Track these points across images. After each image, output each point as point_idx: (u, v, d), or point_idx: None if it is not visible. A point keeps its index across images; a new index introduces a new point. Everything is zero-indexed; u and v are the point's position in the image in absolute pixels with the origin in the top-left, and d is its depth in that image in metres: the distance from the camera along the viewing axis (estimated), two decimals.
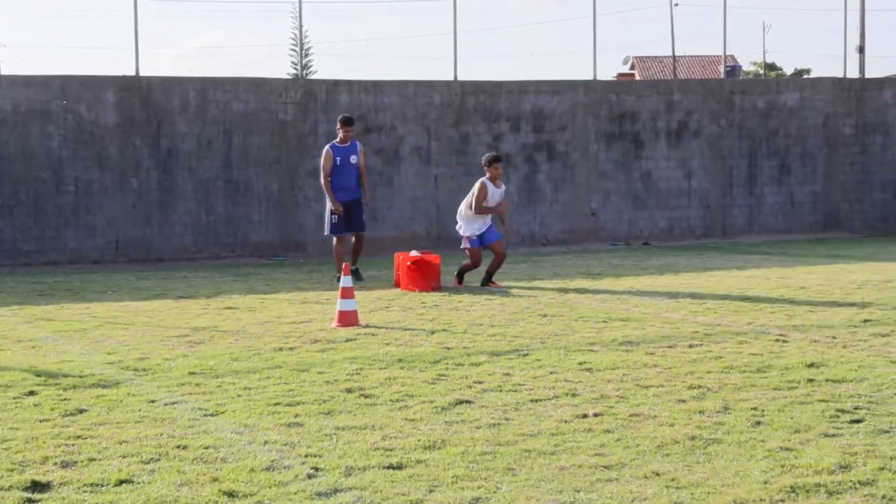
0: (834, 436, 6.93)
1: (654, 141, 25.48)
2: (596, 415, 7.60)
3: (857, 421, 7.31)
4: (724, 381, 8.70)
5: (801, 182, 26.55)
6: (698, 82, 27.32)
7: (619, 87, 26.94)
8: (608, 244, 24.60)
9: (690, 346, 10.40)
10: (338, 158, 16.79)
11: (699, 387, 8.51)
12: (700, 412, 7.64)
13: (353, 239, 17.06)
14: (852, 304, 13.24)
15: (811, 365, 9.32)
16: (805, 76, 65.43)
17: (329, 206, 16.87)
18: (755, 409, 7.71)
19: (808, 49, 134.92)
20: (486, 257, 16.59)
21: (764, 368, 9.23)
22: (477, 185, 16.24)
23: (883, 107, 27.08)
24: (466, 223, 16.28)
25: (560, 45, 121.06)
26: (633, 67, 72.37)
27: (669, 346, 10.43)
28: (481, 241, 16.25)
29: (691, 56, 69.95)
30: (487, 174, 16.17)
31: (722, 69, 33.83)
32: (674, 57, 41.67)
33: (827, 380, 8.70)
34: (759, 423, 7.31)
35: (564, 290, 15.32)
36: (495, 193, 16.21)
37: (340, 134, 16.93)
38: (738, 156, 26.04)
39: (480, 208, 16.09)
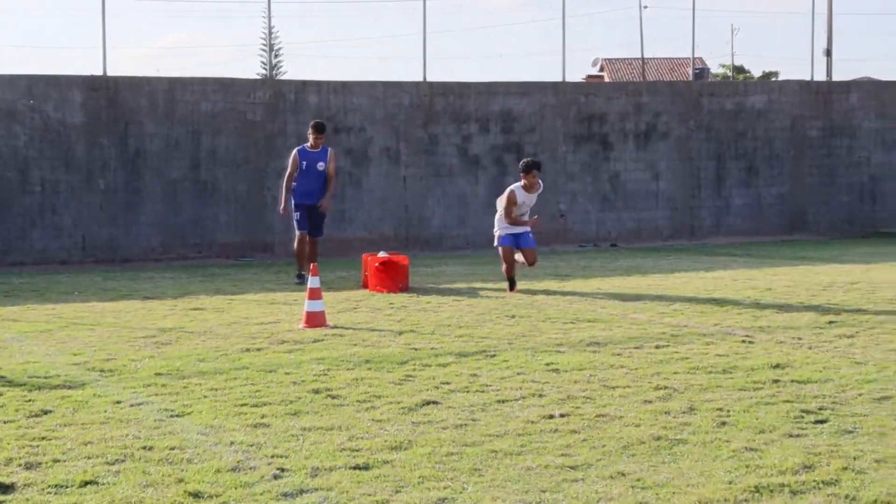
0: (798, 436, 6.98)
1: (623, 143, 25.56)
2: (562, 415, 7.62)
3: (822, 421, 7.36)
4: (689, 382, 8.74)
5: (769, 184, 26.68)
6: (667, 84, 27.45)
7: (588, 89, 27.00)
8: (576, 245, 24.65)
9: (657, 347, 10.44)
10: (304, 163, 16.66)
11: (665, 387, 8.54)
12: (666, 413, 7.67)
13: (308, 243, 16.89)
14: (818, 306, 13.32)
15: (776, 366, 9.38)
16: (773, 79, 65.74)
17: (281, 209, 17.00)
18: (720, 409, 7.75)
19: (776, 52, 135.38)
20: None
21: (730, 369, 9.27)
22: (507, 191, 15.90)
23: (849, 110, 27.25)
24: (500, 224, 15.94)
25: (529, 46, 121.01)
26: (602, 69, 72.52)
27: (636, 347, 10.46)
28: (514, 239, 15.79)
29: (660, 58, 70.15)
30: (522, 181, 15.72)
31: (690, 71, 33.98)
32: (642, 59, 41.77)
33: (792, 381, 8.75)
34: (724, 423, 7.35)
35: (532, 292, 15.34)
36: (526, 200, 15.76)
37: (311, 139, 16.82)
38: (706, 158, 26.15)
39: (511, 218, 15.69)
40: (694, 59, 31.02)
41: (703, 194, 26.11)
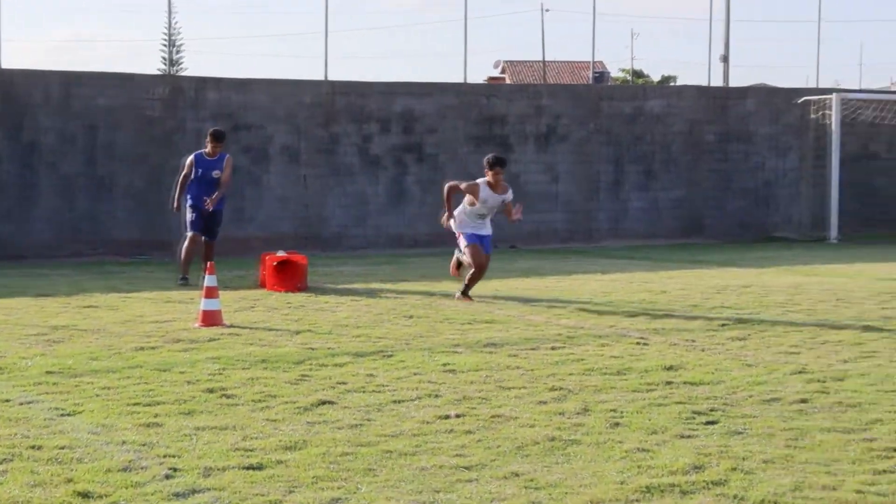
0: (689, 437, 7.07)
1: (523, 145, 25.69)
2: (458, 416, 7.64)
3: (712, 422, 7.47)
4: (584, 383, 8.81)
5: (666, 188, 27.00)
6: (567, 87, 27.71)
7: (489, 91, 27.13)
8: None
9: (553, 349, 10.52)
10: (199, 170, 16.21)
11: (560, 388, 8.61)
12: (560, 413, 7.73)
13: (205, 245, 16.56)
14: (711, 309, 13.51)
15: (669, 368, 9.49)
16: (671, 84, 66.58)
17: (173, 207, 16.52)
18: (614, 410, 7.83)
19: (674, 57, 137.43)
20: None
21: (624, 371, 9.37)
22: (472, 182, 14.43)
23: (745, 115, 27.68)
24: (459, 223, 14.48)
25: (431, 47, 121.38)
26: (503, 71, 72.86)
27: (532, 349, 10.53)
28: (478, 238, 14.40)
29: (561, 61, 70.73)
30: (487, 177, 14.26)
31: (590, 75, 34.29)
32: (544, 62, 42.13)
33: (684, 382, 8.87)
34: (617, 424, 7.42)
35: (430, 293, 15.36)
36: (489, 199, 14.22)
37: (209, 147, 16.36)
38: (605, 161, 26.37)
39: (467, 197, 14.20)
40: (594, 62, 31.32)
41: (601, 197, 26.34)
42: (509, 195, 14.33)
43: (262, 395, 8.33)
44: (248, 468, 6.32)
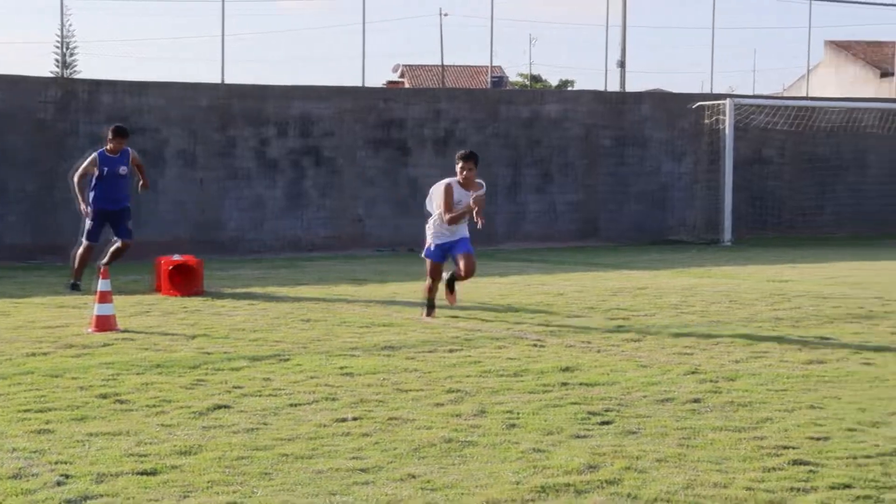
0: (584, 437, 7.14)
1: (421, 148, 25.72)
2: (354, 419, 7.64)
3: (607, 423, 7.55)
4: (481, 385, 8.85)
5: (563, 191, 27.20)
6: (465, 91, 27.78)
7: (387, 95, 27.14)
8: (374, 250, 24.70)
9: (450, 351, 10.55)
10: (105, 169, 15.85)
11: (457, 391, 8.63)
12: (457, 415, 7.75)
13: (119, 245, 16.26)
14: (607, 311, 13.64)
15: (566, 369, 9.57)
16: (569, 88, 67.17)
17: (84, 209, 16.11)
18: (510, 411, 7.88)
19: (572, 62, 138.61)
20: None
21: (520, 372, 9.43)
22: (440, 185, 13.23)
23: (641, 120, 27.99)
24: (433, 234, 13.32)
25: (330, 51, 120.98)
26: (402, 75, 72.90)
27: (429, 351, 10.55)
28: (444, 253, 13.33)
29: (460, 66, 70.97)
30: (458, 175, 13.10)
31: (489, 79, 34.44)
32: (442, 66, 42.25)
33: (580, 383, 8.95)
34: (513, 425, 7.46)
35: (328, 296, 15.32)
36: (463, 199, 13.04)
37: (111, 144, 16.01)
38: (503, 164, 26.48)
39: (451, 212, 13.02)
40: (492, 67, 31.46)
41: (498, 200, 26.43)
42: (482, 192, 13.10)
43: (156, 400, 8.24)
44: (141, 474, 6.25)
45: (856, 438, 7.07)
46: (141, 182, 16.41)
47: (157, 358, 10.12)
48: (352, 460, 6.55)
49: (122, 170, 16.03)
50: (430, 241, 13.32)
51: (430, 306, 13.21)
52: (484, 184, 13.23)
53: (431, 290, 13.22)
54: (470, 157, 13.12)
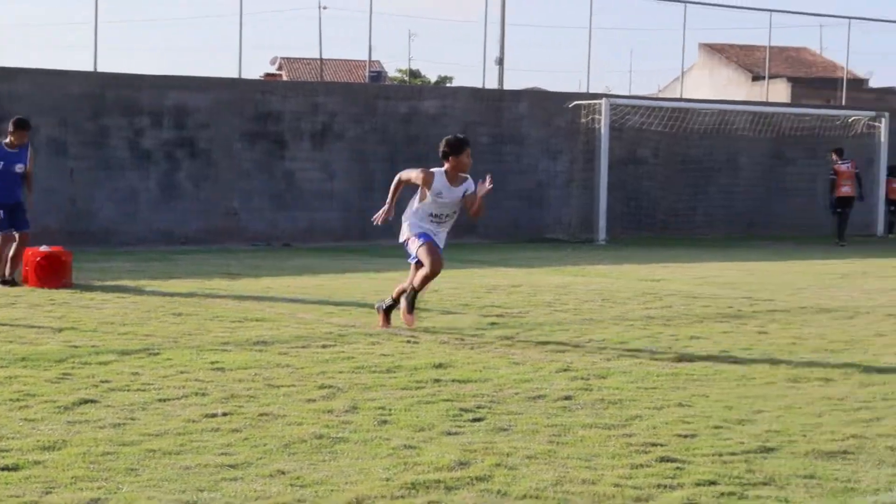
0: (456, 434, 7.14)
1: (298, 142, 25.55)
2: (224, 414, 7.54)
3: (479, 419, 7.56)
4: (354, 381, 8.82)
5: None
6: (343, 86, 27.70)
7: (264, 87, 26.91)
8: (249, 244, 24.48)
9: (323, 347, 10.49)
10: (1, 163, 15.26)
11: (329, 386, 8.59)
12: (328, 411, 7.71)
13: (16, 245, 15.72)
14: (481, 308, 13.70)
15: (439, 366, 9.58)
16: (447, 85, 67.33)
17: None
18: (382, 408, 7.85)
19: (451, 58, 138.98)
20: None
21: (393, 369, 9.41)
22: (424, 170, 12.08)
23: (519, 118, 28.16)
24: (409, 226, 11.96)
25: (206, 41, 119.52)
26: (280, 68, 72.37)
27: (303, 347, 10.48)
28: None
29: (338, 60, 70.66)
30: (446, 165, 11.87)
31: (367, 74, 34.38)
32: (321, 59, 42.08)
33: (453, 380, 8.96)
34: (385, 421, 7.44)
35: (201, 290, 15.14)
36: (444, 192, 11.80)
37: (11, 137, 15.37)
38: (380, 160, 26.39)
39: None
40: (371, 61, 31.42)
41: (375, 196, 26.25)
42: (470, 186, 11.82)
43: (20, 394, 8.05)
44: (2, 469, 6.10)
45: (722, 436, 7.18)
46: (28, 199, 15.66)
47: (23, 351, 9.90)
48: (221, 456, 6.46)
49: (19, 168, 15.34)
50: (411, 231, 11.83)
51: (412, 304, 11.64)
52: (470, 179, 11.93)
53: (427, 280, 11.58)
54: (468, 143, 12.04)
